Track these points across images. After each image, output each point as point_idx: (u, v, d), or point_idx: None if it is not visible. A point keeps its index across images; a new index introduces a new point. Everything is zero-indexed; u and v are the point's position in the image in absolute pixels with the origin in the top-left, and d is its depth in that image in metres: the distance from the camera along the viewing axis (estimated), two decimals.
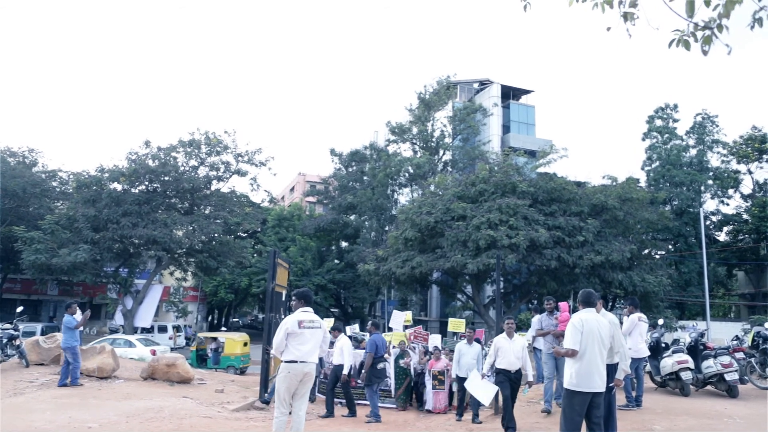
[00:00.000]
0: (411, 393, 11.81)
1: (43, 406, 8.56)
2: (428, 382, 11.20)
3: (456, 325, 14.17)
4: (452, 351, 11.25)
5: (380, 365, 9.76)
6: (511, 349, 7.71)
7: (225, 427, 7.92)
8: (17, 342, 12.16)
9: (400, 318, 14.22)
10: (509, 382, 7.60)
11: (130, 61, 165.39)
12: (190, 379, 12.45)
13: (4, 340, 11.88)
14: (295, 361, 5.77)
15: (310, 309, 6.11)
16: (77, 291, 34.20)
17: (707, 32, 3.21)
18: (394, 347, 12.17)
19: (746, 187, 33.79)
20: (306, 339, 5.85)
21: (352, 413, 9.70)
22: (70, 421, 7.48)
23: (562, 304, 9.01)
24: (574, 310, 7.68)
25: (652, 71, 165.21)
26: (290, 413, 6.00)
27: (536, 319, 9.11)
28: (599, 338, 5.21)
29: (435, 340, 13.62)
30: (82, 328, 11.06)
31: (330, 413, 9.66)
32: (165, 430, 7.38)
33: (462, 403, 9.59)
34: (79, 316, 10.79)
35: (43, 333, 20.43)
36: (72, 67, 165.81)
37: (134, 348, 18.83)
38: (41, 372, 11.77)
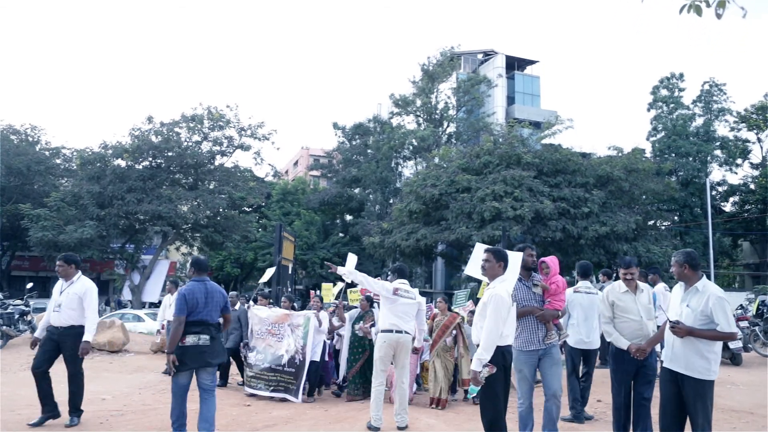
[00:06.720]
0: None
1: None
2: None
3: None
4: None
5: (189, 339, 5.06)
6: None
7: (235, 397, 8.07)
8: (28, 317, 12.38)
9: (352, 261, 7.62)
10: (502, 370, 4.20)
11: (132, 36, 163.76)
12: None
13: (16, 316, 12.08)
14: (390, 330, 5.88)
15: (406, 281, 6.24)
16: (84, 267, 34.46)
17: None
18: (355, 307, 8.91)
19: (755, 156, 33.49)
20: (399, 309, 5.95)
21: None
22: (84, 393, 7.61)
23: (550, 260, 5.46)
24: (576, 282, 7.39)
25: (659, 40, 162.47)
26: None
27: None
28: None
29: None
30: None
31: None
32: None
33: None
34: None
35: None
36: (73, 43, 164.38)
37: (143, 322, 19.06)
38: None
